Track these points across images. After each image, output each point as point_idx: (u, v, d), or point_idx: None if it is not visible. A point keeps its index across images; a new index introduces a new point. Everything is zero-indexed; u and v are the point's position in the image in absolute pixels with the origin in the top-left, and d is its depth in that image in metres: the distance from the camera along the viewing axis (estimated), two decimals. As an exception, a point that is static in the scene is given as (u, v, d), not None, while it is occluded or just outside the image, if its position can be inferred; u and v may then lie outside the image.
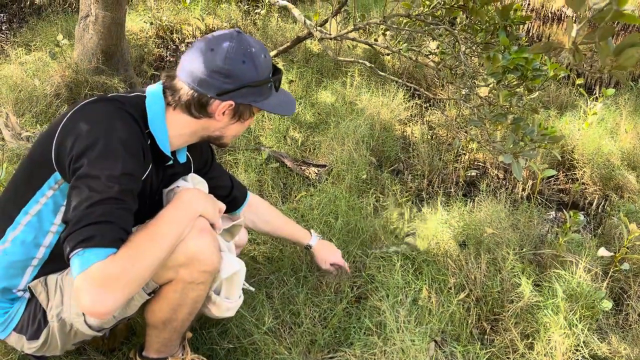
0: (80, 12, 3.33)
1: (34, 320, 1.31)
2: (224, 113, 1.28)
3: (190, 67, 1.23)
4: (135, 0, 4.92)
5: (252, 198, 1.79)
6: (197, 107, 1.26)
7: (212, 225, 1.33)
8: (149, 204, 1.36)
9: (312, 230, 1.91)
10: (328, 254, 1.89)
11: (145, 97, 1.29)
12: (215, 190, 1.55)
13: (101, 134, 1.14)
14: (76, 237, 1.04)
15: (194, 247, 1.24)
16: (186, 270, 1.25)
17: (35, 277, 1.32)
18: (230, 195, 1.68)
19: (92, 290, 1.02)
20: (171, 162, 1.36)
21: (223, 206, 1.40)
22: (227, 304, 1.41)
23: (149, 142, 1.28)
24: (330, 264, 1.88)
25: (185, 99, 1.25)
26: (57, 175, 1.21)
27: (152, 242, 1.14)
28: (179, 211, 1.24)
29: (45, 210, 1.25)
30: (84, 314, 1.28)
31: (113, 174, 1.10)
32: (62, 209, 1.24)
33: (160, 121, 1.28)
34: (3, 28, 4.60)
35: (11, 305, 1.33)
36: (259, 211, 1.80)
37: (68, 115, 1.21)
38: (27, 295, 1.34)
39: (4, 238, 1.28)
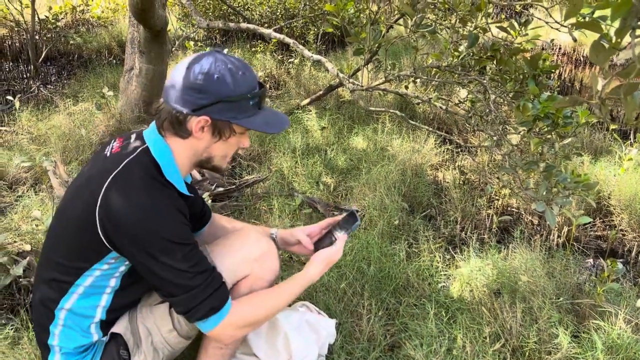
0: (125, 65, 3.54)
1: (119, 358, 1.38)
2: (202, 129, 1.26)
3: (171, 87, 1.25)
4: (175, 52, 5.17)
5: (214, 217, 1.76)
6: (177, 124, 1.26)
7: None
8: None
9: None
10: (290, 233, 1.75)
11: (147, 147, 1.29)
12: (194, 204, 1.57)
13: (152, 234, 1.20)
14: (202, 309, 1.27)
15: (265, 246, 1.50)
16: (257, 265, 1.46)
17: (101, 328, 1.38)
18: (203, 210, 1.67)
19: (233, 331, 1.34)
20: (191, 195, 1.40)
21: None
22: None
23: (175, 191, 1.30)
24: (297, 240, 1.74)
25: (165, 117, 1.27)
26: (113, 253, 1.25)
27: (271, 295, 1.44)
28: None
29: (100, 279, 1.31)
30: (175, 329, 1.44)
31: (179, 259, 1.24)
32: (117, 274, 1.32)
33: (172, 166, 1.29)
34: (53, 80, 4.89)
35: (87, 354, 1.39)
36: (218, 224, 1.76)
37: (102, 194, 1.21)
38: (105, 339, 1.40)
39: (59, 306, 1.32)
